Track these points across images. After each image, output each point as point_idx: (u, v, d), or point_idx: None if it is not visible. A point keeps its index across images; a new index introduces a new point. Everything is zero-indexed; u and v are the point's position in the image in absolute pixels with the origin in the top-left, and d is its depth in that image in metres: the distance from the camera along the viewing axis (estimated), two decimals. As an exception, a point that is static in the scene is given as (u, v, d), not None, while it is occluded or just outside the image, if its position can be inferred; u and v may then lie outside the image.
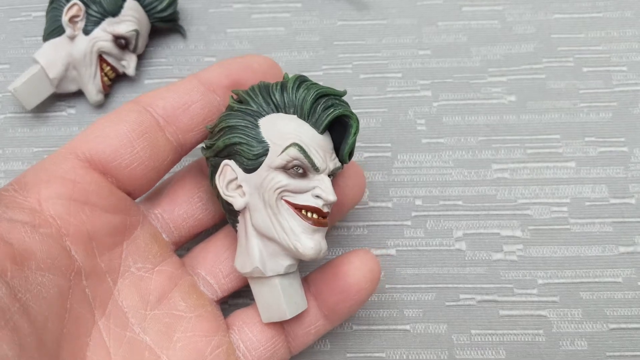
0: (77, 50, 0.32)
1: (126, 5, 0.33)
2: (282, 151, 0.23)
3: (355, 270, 0.26)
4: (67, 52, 0.33)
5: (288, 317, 0.25)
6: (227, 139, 0.24)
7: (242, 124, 0.24)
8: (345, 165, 0.26)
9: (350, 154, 0.25)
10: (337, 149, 0.25)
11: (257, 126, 0.24)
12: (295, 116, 0.24)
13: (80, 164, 0.24)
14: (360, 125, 0.34)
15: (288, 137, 0.23)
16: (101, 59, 0.33)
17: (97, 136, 0.24)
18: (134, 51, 0.34)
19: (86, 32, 0.32)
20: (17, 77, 0.33)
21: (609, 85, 0.34)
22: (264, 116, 0.24)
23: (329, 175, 0.24)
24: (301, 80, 0.25)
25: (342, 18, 0.37)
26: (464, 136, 0.33)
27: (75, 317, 0.22)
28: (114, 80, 0.35)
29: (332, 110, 0.24)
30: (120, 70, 0.34)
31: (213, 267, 0.27)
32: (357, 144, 0.33)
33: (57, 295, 0.21)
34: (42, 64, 0.32)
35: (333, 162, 0.24)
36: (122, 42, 0.33)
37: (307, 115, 0.24)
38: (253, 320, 0.26)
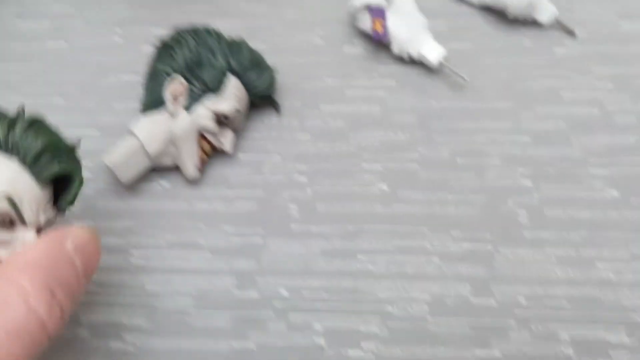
0: (179, 127, 0.32)
1: (228, 82, 0.33)
2: None
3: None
4: (167, 127, 0.32)
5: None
6: None
7: None
8: None
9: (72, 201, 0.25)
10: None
11: None
12: (16, 160, 0.23)
13: None
14: (458, 213, 0.33)
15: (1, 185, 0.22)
16: (200, 135, 0.33)
17: None
18: (233, 128, 0.33)
19: (186, 107, 0.32)
20: (112, 148, 0.33)
21: None
22: None
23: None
24: (32, 123, 0.24)
25: (437, 97, 0.36)
26: (567, 231, 0.32)
27: None
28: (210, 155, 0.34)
29: (53, 166, 0.24)
30: (217, 146, 0.33)
31: None
32: (451, 232, 0.32)
33: None
34: (141, 138, 0.32)
35: (46, 215, 0.24)
36: (223, 119, 0.32)
37: (30, 164, 0.23)
38: None
